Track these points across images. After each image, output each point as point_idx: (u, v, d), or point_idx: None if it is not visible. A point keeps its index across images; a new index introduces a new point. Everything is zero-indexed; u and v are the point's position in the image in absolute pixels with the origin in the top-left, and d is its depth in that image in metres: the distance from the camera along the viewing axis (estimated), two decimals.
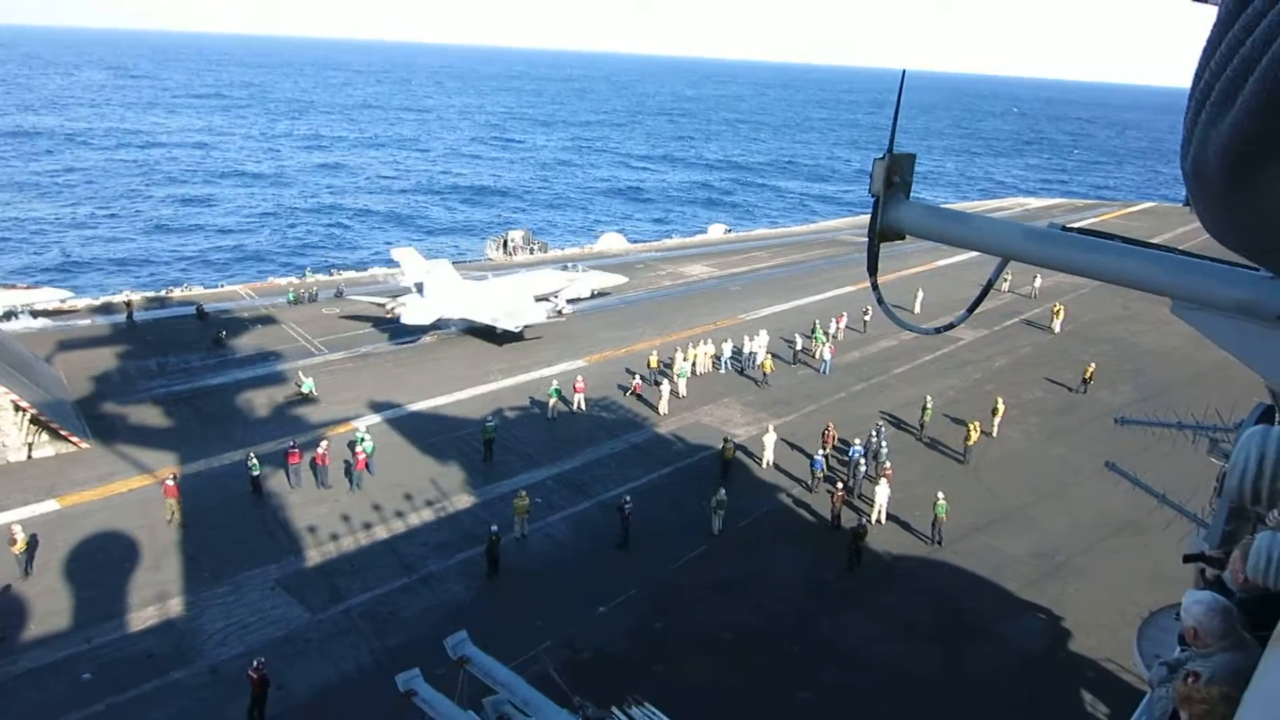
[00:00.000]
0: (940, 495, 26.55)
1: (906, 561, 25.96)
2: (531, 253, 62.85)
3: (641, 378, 38.08)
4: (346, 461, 29.30)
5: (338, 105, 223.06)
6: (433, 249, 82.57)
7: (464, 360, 40.80)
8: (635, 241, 73.06)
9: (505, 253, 62.18)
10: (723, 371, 40.07)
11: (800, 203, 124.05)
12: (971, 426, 32.49)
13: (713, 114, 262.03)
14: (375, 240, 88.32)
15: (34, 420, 28.86)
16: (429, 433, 33.15)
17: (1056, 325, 48.18)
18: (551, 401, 34.98)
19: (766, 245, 69.48)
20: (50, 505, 26.69)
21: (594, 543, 26.49)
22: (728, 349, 40.72)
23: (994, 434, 34.32)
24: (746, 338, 41.99)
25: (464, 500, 28.55)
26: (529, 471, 30.59)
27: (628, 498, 26.79)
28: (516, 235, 64.52)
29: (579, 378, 36.61)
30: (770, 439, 31.39)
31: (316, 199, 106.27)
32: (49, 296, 43.78)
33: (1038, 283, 54.36)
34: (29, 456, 28.37)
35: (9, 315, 41.08)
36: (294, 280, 52.23)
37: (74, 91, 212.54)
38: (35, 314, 42.23)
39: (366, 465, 29.15)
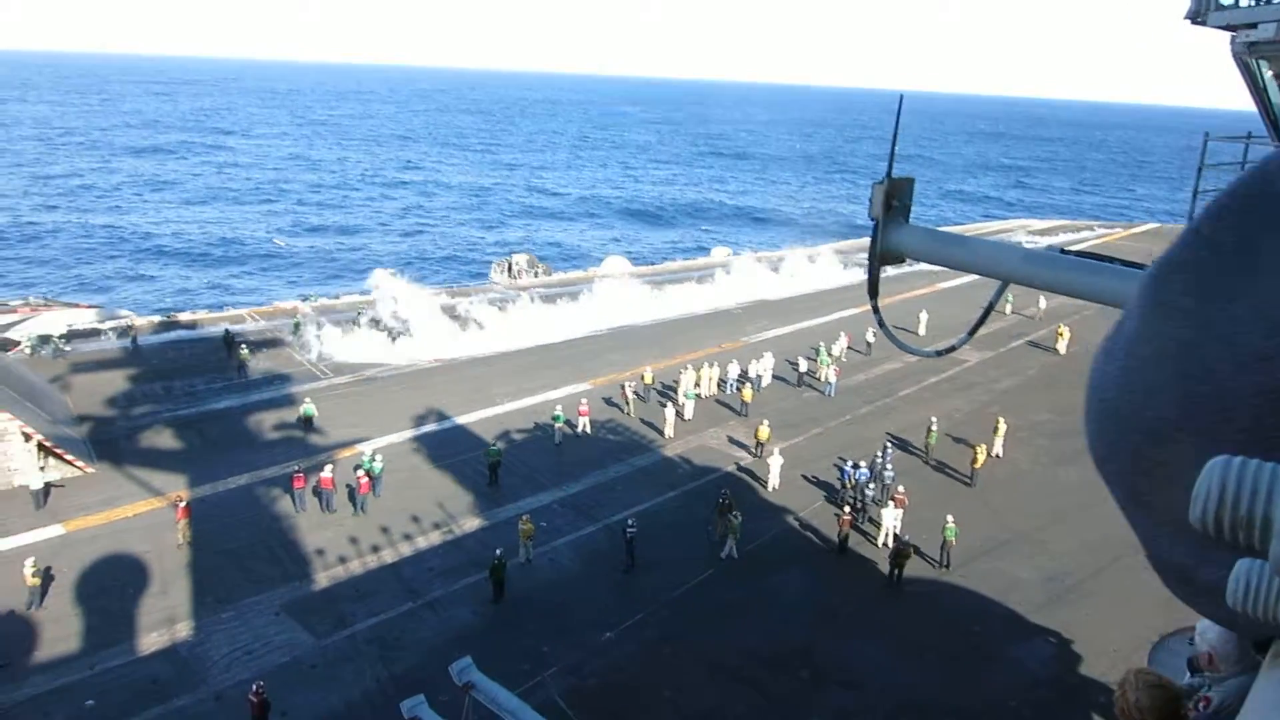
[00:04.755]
0: (949, 518, 26.42)
1: (915, 585, 25.79)
2: (536, 276, 63.00)
3: (636, 393, 38.37)
4: (349, 485, 29.24)
5: (321, 127, 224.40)
6: (433, 272, 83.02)
7: (467, 383, 40.82)
8: (640, 265, 73.23)
9: (510, 276, 62.36)
10: (728, 393, 39.96)
11: (803, 224, 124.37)
12: (978, 449, 32.40)
13: (710, 136, 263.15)
14: (375, 264, 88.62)
15: (41, 447, 28.90)
16: (434, 456, 33.12)
17: (1062, 346, 48.09)
18: (556, 425, 34.95)
19: (772, 266, 69.49)
20: (56, 530, 26.66)
21: (600, 567, 26.37)
22: (733, 371, 40.68)
23: (999, 454, 34.26)
24: (753, 360, 42.05)
25: (469, 524, 28.47)
26: (534, 495, 30.51)
27: (631, 521, 26.72)
28: (521, 259, 64.70)
29: (583, 401, 36.60)
30: (776, 462, 31.33)
31: (313, 222, 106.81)
32: (85, 316, 43.78)
33: (1042, 304, 54.34)
34: (45, 485, 28.28)
35: (44, 341, 41.01)
36: (298, 305, 52.33)
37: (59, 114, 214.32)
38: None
39: (372, 488, 29.12)
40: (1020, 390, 42.12)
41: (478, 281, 65.35)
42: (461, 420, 36.70)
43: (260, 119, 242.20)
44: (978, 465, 32.05)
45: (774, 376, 42.07)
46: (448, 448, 34.01)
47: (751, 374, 41.01)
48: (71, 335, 42.35)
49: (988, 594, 25.34)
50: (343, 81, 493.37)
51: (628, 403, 37.93)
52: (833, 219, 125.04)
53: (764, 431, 34.19)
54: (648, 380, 40.09)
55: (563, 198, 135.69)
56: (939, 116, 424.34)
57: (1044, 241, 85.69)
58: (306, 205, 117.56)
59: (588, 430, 35.57)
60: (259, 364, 41.37)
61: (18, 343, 40.29)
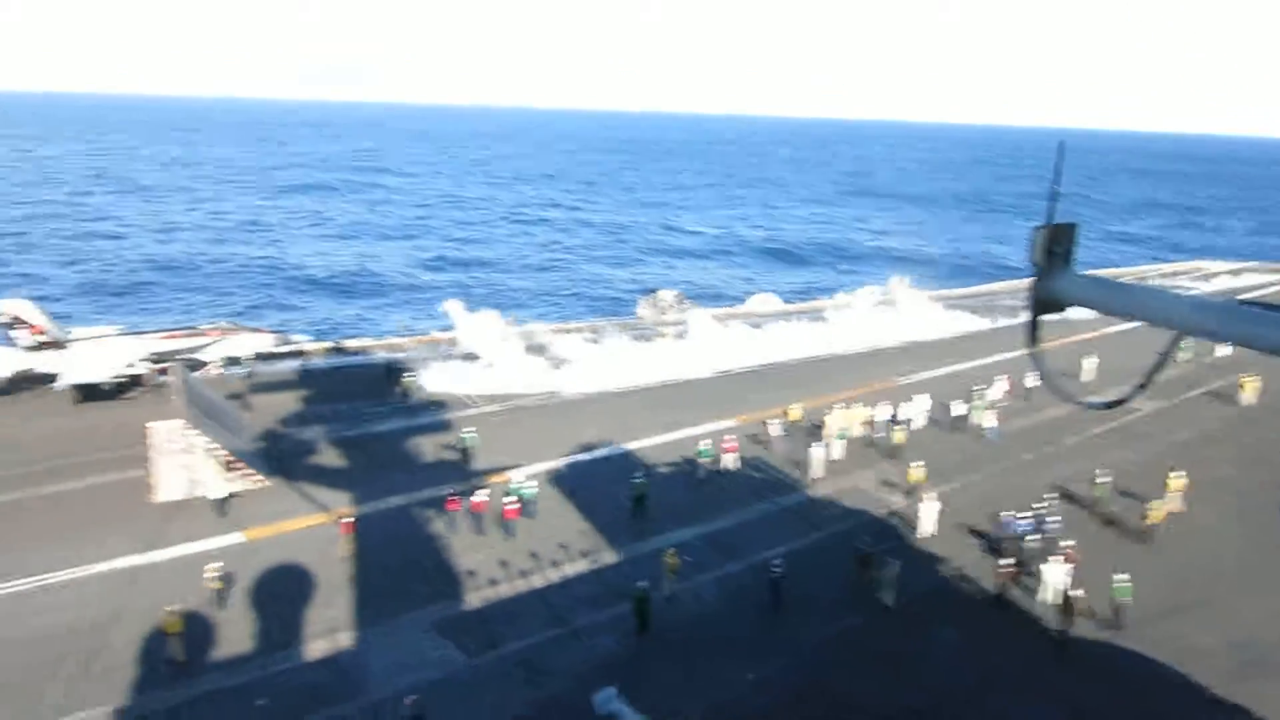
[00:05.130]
0: (1121, 575, 24.72)
1: (1081, 645, 24.18)
2: (681, 311, 63.38)
3: (783, 431, 37.90)
4: (498, 510, 29.76)
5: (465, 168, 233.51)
6: (577, 306, 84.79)
7: (614, 415, 41.32)
8: (790, 302, 72.61)
9: (656, 311, 62.97)
10: (878, 436, 38.80)
11: (948, 264, 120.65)
12: (1152, 504, 30.30)
13: (855, 175, 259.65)
14: (514, 298, 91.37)
15: (223, 461, 30.92)
16: (581, 485, 33.57)
17: (1246, 397, 44.60)
18: (702, 460, 34.83)
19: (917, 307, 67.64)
20: (237, 537, 28.47)
21: (743, 606, 25.95)
22: (883, 413, 39.51)
23: (1176, 510, 31.96)
24: (904, 402, 40.85)
25: (614, 555, 28.62)
26: (678, 529, 30.41)
27: (777, 561, 26.21)
28: (668, 294, 65.30)
29: (729, 437, 36.37)
30: (929, 508, 30.20)
31: (455, 256, 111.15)
32: (265, 340, 46.74)
33: (1221, 351, 50.67)
34: (229, 495, 30.36)
35: (232, 362, 44.21)
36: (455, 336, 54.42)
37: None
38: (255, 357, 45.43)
39: (525, 512, 29.91)
40: (1199, 443, 39.21)
41: (622, 316, 66.28)
42: (608, 451, 37.13)
43: (418, 158, 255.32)
44: (1152, 521, 29.94)
45: (928, 420, 40.74)
46: (594, 477, 34.43)
47: (903, 416, 39.80)
48: (256, 358, 45.20)
49: (1163, 660, 23.48)
50: (501, 123, 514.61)
51: (773, 441, 37.46)
52: (980, 260, 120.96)
53: (917, 474, 33.13)
54: (794, 418, 39.60)
55: (702, 236, 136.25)
56: (1103, 154, 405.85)
57: (1223, 286, 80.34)
58: (451, 240, 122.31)
59: (733, 467, 35.30)
60: (420, 391, 42.92)
61: (206, 364, 43.49)
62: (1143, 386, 5.67)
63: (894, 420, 39.22)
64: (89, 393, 39.30)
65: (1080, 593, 24.65)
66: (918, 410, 40.46)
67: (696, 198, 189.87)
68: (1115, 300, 5.01)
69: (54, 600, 24.40)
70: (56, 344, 40.60)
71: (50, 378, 38.73)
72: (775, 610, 25.57)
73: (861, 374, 49.33)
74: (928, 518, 30.13)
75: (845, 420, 38.54)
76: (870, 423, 39.56)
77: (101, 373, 39.32)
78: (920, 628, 24.92)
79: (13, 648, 22.16)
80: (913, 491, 32.85)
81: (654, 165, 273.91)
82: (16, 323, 39.83)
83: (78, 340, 41.87)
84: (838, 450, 36.46)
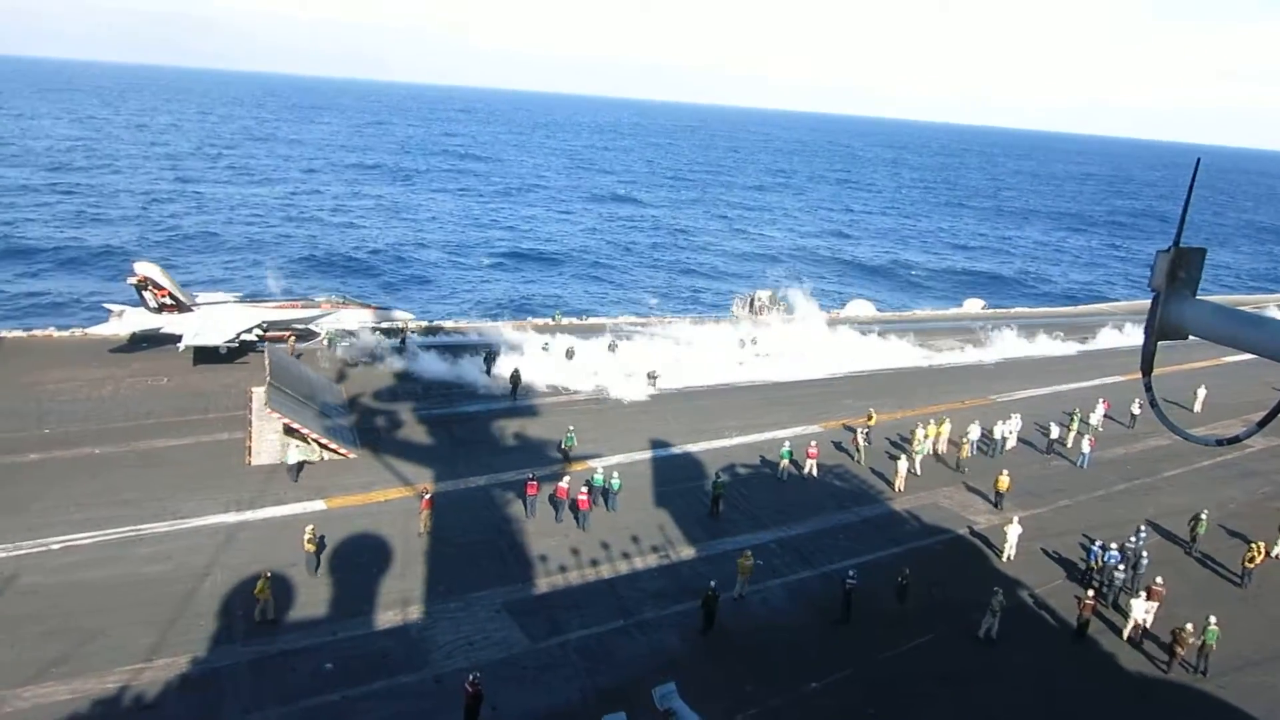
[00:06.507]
0: (1212, 619, 23.45)
1: (1163, 688, 23.09)
2: (777, 314, 62.73)
3: (866, 440, 37.28)
4: (572, 499, 29.95)
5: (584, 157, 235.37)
6: (677, 304, 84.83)
7: (698, 413, 41.23)
8: (884, 310, 71.23)
9: (752, 312, 62.51)
10: (968, 455, 37.63)
11: (1067, 283, 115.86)
12: (1256, 546, 28.63)
13: (951, 185, 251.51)
14: (616, 291, 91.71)
15: (307, 436, 32.06)
16: (660, 481, 33.64)
17: None
18: (783, 464, 34.50)
19: (1027, 324, 65.41)
20: (319, 505, 29.49)
21: (813, 614, 25.65)
22: (975, 431, 38.33)
23: (1276, 555, 30.21)
24: (1000, 421, 39.58)
25: (686, 552, 28.63)
26: (754, 532, 30.23)
27: (852, 572, 25.78)
28: (763, 295, 64.69)
29: (813, 443, 35.90)
30: (1014, 531, 29.23)
31: (565, 248, 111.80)
32: (399, 318, 48.33)
33: None
34: (321, 458, 31.86)
35: (342, 335, 45.87)
36: (549, 322, 55.15)
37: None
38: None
39: (607, 503, 30.50)
40: None
41: (718, 315, 66.03)
42: (689, 448, 37.07)
43: (507, 142, 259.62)
44: (1253, 565, 28.31)
45: (1019, 440, 39.41)
46: (673, 473, 34.46)
47: (996, 435, 38.61)
48: (364, 331, 46.71)
49: (1251, 710, 22.20)
50: (595, 114, 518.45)
51: (859, 449, 36.82)
52: (1065, 282, 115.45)
53: (1004, 481, 32.51)
54: (872, 422, 38.85)
55: (771, 241, 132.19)
56: (1225, 173, 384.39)
57: None
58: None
59: (814, 473, 34.87)
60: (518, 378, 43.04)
61: (317, 334, 45.36)
62: (1263, 424, 5.36)
63: (986, 437, 38.08)
64: (207, 355, 41.39)
65: (1189, 627, 23.45)
66: (1010, 429, 39.17)
67: (778, 199, 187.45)
68: (1242, 333, 4.72)
69: (149, 551, 25.73)
70: (182, 307, 42.96)
71: (174, 338, 40.96)
72: (845, 621, 25.19)
73: (958, 388, 48.01)
74: (1011, 541, 29.18)
75: (933, 434, 37.62)
76: (958, 440, 38.52)
77: (220, 337, 41.35)
78: (992, 652, 24.19)
79: (108, 593, 23.48)
80: (1000, 498, 32.51)
81: (748, 161, 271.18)
82: (147, 284, 42.28)
83: (202, 305, 44.21)
84: (919, 464, 35.64)
